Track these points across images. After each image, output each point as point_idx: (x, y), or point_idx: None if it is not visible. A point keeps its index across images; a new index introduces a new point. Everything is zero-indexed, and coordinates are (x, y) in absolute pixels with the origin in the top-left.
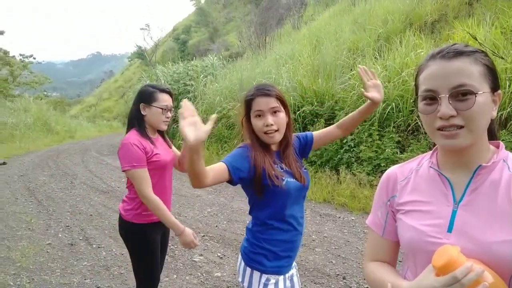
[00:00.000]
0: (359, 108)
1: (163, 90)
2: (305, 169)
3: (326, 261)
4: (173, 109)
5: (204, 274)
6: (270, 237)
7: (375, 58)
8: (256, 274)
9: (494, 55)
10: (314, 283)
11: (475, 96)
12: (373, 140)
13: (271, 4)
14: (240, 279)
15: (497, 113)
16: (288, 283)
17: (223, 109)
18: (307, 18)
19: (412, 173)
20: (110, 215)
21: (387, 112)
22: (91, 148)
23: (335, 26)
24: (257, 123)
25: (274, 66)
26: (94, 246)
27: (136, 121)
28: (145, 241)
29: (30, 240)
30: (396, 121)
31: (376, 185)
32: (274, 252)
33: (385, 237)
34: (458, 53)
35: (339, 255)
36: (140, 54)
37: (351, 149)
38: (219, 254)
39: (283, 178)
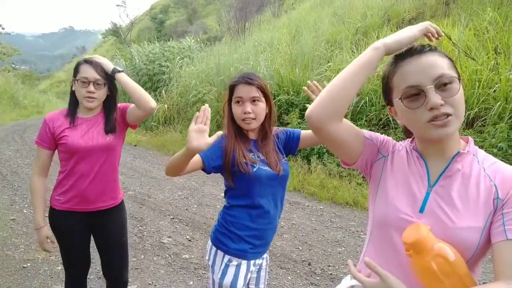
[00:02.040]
0: None
1: (86, 61)
2: (285, 161)
3: (293, 247)
4: (102, 83)
5: (172, 255)
6: (236, 221)
7: (352, 51)
8: (220, 253)
9: (466, 56)
10: (281, 268)
11: (455, 84)
12: None
13: None
14: (207, 257)
15: (466, 113)
16: (252, 270)
17: (198, 93)
18: (287, 6)
19: (395, 152)
20: None
21: (360, 106)
22: None
23: (315, 17)
24: (236, 109)
25: (253, 53)
26: None
27: (70, 97)
28: (54, 227)
29: None
30: (369, 115)
31: (345, 176)
32: (239, 235)
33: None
34: (426, 49)
35: (305, 242)
36: (115, 31)
37: None
38: (187, 237)
39: (254, 166)
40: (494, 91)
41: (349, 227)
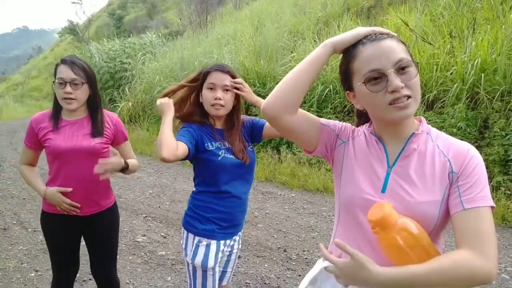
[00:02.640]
0: None
1: (63, 61)
2: (251, 149)
3: (268, 236)
4: (80, 83)
5: (147, 253)
6: (203, 204)
7: (314, 41)
8: (191, 236)
9: (423, 41)
10: (257, 256)
11: (413, 68)
12: None
13: None
14: (181, 242)
15: (425, 96)
16: (224, 250)
17: (163, 89)
18: None
19: (355, 138)
20: None
21: (325, 94)
22: (19, 129)
23: (277, 8)
24: (207, 94)
25: (216, 46)
26: (29, 230)
27: (53, 100)
28: (46, 231)
29: None
30: (334, 102)
31: (314, 164)
32: (206, 217)
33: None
34: (385, 35)
35: (280, 230)
36: (72, 29)
37: None
38: (162, 234)
39: (219, 154)
40: (451, 73)
41: (321, 212)
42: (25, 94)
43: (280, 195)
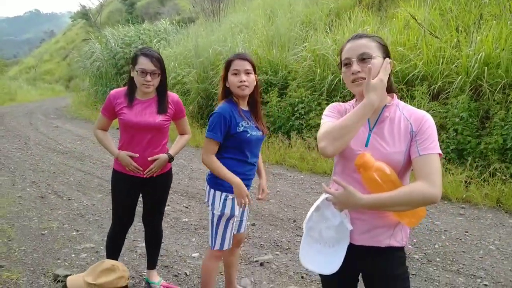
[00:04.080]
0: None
1: (144, 54)
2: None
3: (279, 209)
4: (157, 73)
5: (173, 220)
6: (229, 168)
7: (326, 32)
8: (218, 193)
9: (431, 34)
10: (270, 225)
11: (371, 59)
12: (322, 108)
13: None
14: (206, 200)
15: (431, 87)
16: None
17: (177, 75)
18: None
19: (347, 110)
20: (74, 172)
21: (335, 83)
22: (36, 111)
23: None
24: (233, 79)
25: (230, 34)
26: (64, 198)
27: (128, 80)
28: (113, 185)
29: None
30: (343, 91)
31: None
32: None
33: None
34: (361, 36)
35: (290, 205)
36: (84, 14)
37: (302, 116)
38: (184, 205)
39: (247, 131)
40: (456, 66)
41: None
42: (37, 77)
43: (290, 176)
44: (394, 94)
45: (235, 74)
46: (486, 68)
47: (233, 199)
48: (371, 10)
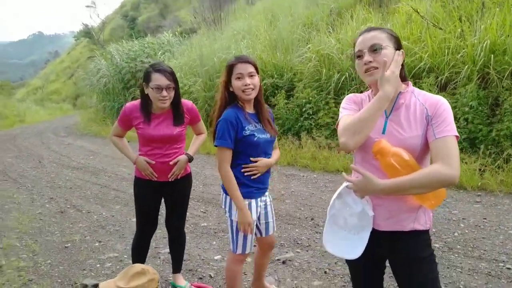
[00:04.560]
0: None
1: (157, 70)
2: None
3: (296, 209)
4: (172, 87)
5: (192, 225)
6: (242, 174)
7: (328, 32)
8: None
9: (434, 26)
10: (288, 224)
11: (382, 49)
12: (330, 107)
13: None
14: (223, 206)
15: (438, 78)
16: (260, 205)
17: (184, 85)
18: None
19: (362, 102)
20: (90, 186)
21: (341, 81)
22: (46, 131)
23: (289, 1)
24: (237, 83)
25: (233, 41)
26: (83, 212)
27: (141, 97)
28: (135, 192)
29: (20, 211)
30: (350, 89)
31: (334, 147)
32: (245, 182)
33: None
34: (372, 29)
35: (306, 204)
36: (87, 32)
37: (310, 117)
38: (202, 210)
39: (254, 135)
40: (462, 56)
41: None
42: (44, 98)
43: (303, 176)
44: (409, 82)
45: (239, 78)
46: (492, 55)
47: (249, 204)
48: (372, 7)
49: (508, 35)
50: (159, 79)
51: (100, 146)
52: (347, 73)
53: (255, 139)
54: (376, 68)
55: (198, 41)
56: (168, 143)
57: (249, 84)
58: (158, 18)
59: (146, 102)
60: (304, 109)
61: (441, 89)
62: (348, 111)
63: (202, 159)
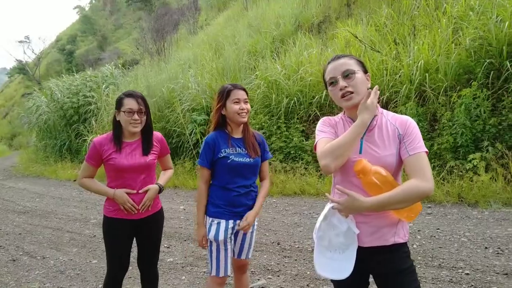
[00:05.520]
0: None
1: (128, 95)
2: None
3: (261, 235)
4: (143, 112)
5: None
6: (213, 194)
7: (273, 58)
8: (206, 218)
9: (372, 49)
10: (256, 251)
11: (355, 74)
12: (282, 131)
13: (165, 10)
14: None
15: (379, 98)
16: (232, 227)
17: None
18: (201, 22)
19: (337, 123)
20: (41, 230)
21: (290, 106)
22: None
23: (232, 30)
24: (235, 107)
25: (180, 71)
26: (38, 258)
27: (113, 126)
28: (105, 234)
29: None
30: (299, 113)
31: (289, 171)
32: (215, 202)
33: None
34: (340, 56)
35: (270, 229)
36: (21, 68)
37: None
38: (165, 245)
39: (229, 157)
40: (399, 76)
41: (302, 211)
42: None
43: (265, 201)
44: (378, 105)
45: (237, 102)
46: (427, 74)
47: (217, 223)
48: (312, 33)
49: (439, 55)
50: (130, 103)
51: (46, 187)
52: (295, 98)
53: (229, 161)
54: (352, 92)
55: (143, 72)
56: (140, 174)
57: (245, 109)
58: (97, 51)
59: (118, 129)
60: (264, 139)
61: (383, 107)
62: (325, 133)
63: (163, 193)
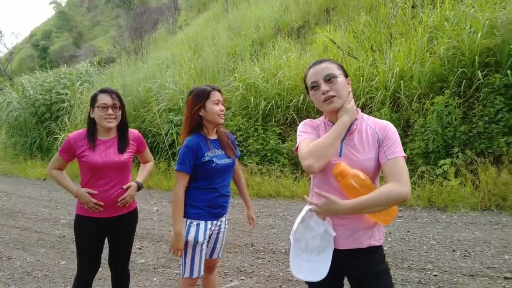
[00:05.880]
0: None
1: (102, 91)
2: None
3: (235, 236)
4: (118, 107)
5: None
6: (194, 196)
7: (252, 61)
8: (184, 219)
9: (349, 55)
10: (229, 252)
11: (337, 78)
12: (259, 134)
13: (144, 8)
14: None
15: (355, 103)
16: (213, 229)
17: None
18: (181, 23)
19: (319, 125)
20: (8, 230)
21: (268, 109)
22: None
23: (212, 32)
24: (215, 108)
25: (157, 71)
26: (3, 258)
27: (87, 123)
28: (76, 233)
29: None
30: (276, 116)
31: (265, 173)
32: (195, 205)
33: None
34: (321, 61)
35: (244, 231)
36: None
37: (241, 144)
38: (137, 246)
39: (213, 160)
40: (375, 82)
41: (277, 213)
42: None
43: (238, 203)
44: (359, 109)
45: (216, 103)
46: (401, 81)
47: (197, 225)
48: (291, 38)
49: (414, 63)
50: (104, 98)
51: (14, 185)
52: (273, 101)
53: (213, 165)
54: (334, 96)
55: (119, 71)
56: (114, 172)
57: (223, 110)
58: (72, 47)
59: (92, 127)
60: (234, 137)
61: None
62: (308, 134)
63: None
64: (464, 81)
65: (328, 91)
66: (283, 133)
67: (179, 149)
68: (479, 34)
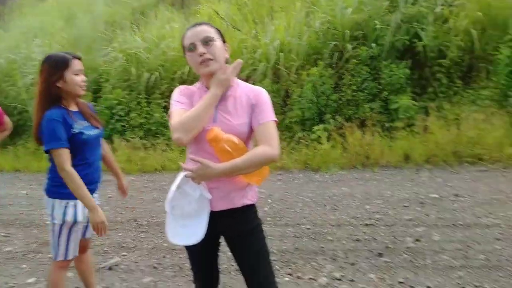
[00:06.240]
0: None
1: None
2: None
3: (116, 214)
4: None
5: None
6: None
7: (133, 30)
8: (57, 201)
9: (233, 28)
10: (110, 229)
11: (214, 41)
12: (142, 107)
13: None
14: (47, 211)
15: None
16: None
17: None
18: None
19: (195, 93)
20: None
21: (151, 81)
22: None
23: None
24: (77, 79)
25: (23, 40)
26: None
27: None
28: None
29: None
30: (161, 88)
31: (149, 147)
32: None
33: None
34: (200, 23)
35: (127, 207)
36: None
37: (122, 118)
38: (2, 234)
39: (83, 132)
40: (258, 55)
41: (163, 187)
42: None
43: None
44: (234, 76)
45: (78, 74)
46: (282, 54)
47: (74, 205)
48: (175, 7)
49: (293, 36)
50: None
51: None
52: (158, 73)
53: (83, 137)
54: (211, 59)
55: None
56: None
57: (85, 81)
58: None
59: None
60: (114, 111)
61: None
62: (180, 104)
63: (0, 178)
64: (336, 53)
65: (204, 53)
66: (168, 106)
67: (43, 126)
68: (350, 9)
